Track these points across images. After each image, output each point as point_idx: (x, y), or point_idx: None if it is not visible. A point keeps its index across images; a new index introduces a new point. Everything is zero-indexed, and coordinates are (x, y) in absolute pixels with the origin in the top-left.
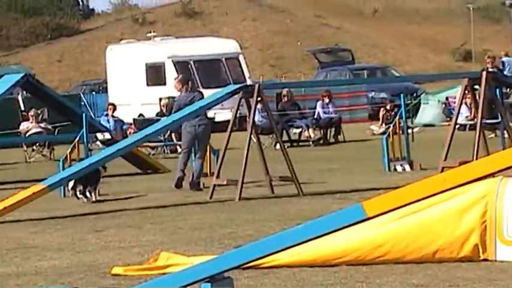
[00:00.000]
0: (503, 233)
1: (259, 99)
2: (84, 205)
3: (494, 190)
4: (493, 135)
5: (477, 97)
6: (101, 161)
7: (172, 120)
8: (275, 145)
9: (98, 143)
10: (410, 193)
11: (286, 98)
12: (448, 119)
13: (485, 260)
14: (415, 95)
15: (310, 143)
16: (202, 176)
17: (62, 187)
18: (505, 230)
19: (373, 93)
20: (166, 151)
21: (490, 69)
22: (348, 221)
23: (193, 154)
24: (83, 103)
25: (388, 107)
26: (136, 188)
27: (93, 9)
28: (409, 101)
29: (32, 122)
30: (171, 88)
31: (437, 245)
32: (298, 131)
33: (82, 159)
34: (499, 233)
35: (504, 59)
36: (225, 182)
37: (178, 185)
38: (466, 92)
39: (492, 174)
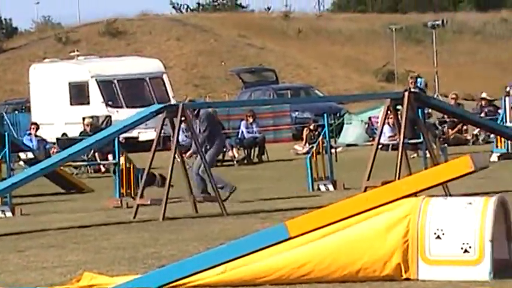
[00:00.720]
0: (426, 252)
1: (183, 118)
2: (6, 225)
3: (417, 209)
4: (415, 155)
5: (399, 117)
6: (23, 180)
7: (95, 140)
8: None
9: (20, 162)
10: (333, 212)
11: None
12: (371, 138)
13: (408, 279)
14: (338, 115)
15: (234, 162)
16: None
17: None
18: (427, 250)
19: (296, 113)
20: (89, 171)
21: (412, 90)
22: (271, 240)
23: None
24: (5, 122)
25: (311, 127)
26: (60, 208)
27: (16, 28)
28: (333, 121)
29: None
30: (94, 107)
31: (360, 263)
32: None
33: (4, 179)
34: (421, 252)
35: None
36: (148, 202)
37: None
38: (389, 112)
39: (414, 194)
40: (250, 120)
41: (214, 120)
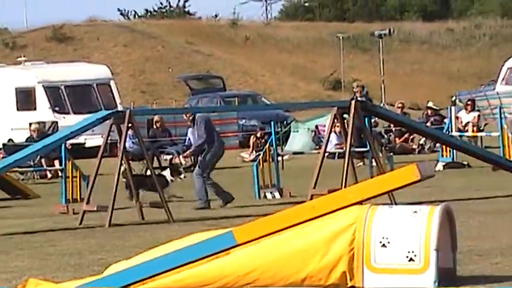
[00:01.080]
0: (371, 260)
1: (129, 125)
2: None
3: (362, 218)
4: (361, 163)
5: (346, 126)
6: None
7: (42, 146)
8: (146, 171)
9: None
10: (279, 220)
11: (157, 125)
12: (318, 147)
13: (353, 287)
14: (285, 122)
15: (181, 169)
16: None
17: None
18: (373, 258)
19: (243, 120)
20: (36, 176)
21: (359, 98)
22: (218, 248)
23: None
24: None
25: (258, 135)
26: (5, 214)
27: None
28: (279, 129)
29: None
30: (41, 113)
31: (305, 272)
32: (169, 157)
33: None
34: (366, 261)
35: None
36: (95, 208)
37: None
38: (336, 120)
39: (360, 202)
40: None
41: (211, 124)
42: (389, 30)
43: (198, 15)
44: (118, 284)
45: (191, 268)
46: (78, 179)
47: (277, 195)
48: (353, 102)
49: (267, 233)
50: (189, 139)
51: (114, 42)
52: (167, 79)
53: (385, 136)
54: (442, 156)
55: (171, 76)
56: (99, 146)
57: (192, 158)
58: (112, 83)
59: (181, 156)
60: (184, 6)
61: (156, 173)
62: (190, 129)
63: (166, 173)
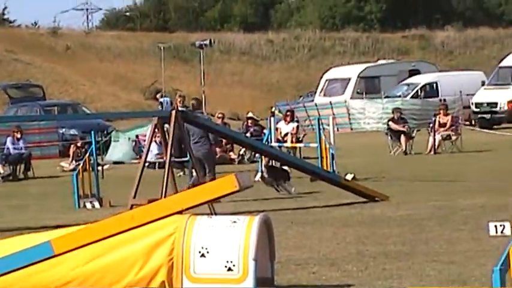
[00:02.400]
0: (190, 270)
1: None
2: None
3: (182, 228)
4: (181, 173)
5: (167, 135)
6: None
7: None
8: None
9: None
10: (98, 230)
11: None
12: (138, 156)
13: None
14: (105, 132)
15: (0, 178)
16: None
17: None
18: (192, 268)
19: (64, 129)
20: None
21: (180, 108)
22: (35, 258)
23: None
24: None
25: (78, 144)
26: None
27: None
28: (100, 138)
29: None
30: None
31: (124, 282)
32: None
33: None
34: (186, 270)
35: (161, 99)
36: None
37: None
38: (156, 130)
39: (180, 212)
40: (17, 136)
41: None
42: (210, 40)
43: (17, 23)
44: None
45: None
46: None
47: (97, 204)
48: (173, 112)
49: (86, 243)
50: (8, 148)
51: None
52: None
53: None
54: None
55: None
56: None
57: (10, 166)
58: None
59: (0, 166)
60: (3, 14)
61: None
62: (9, 138)
63: None
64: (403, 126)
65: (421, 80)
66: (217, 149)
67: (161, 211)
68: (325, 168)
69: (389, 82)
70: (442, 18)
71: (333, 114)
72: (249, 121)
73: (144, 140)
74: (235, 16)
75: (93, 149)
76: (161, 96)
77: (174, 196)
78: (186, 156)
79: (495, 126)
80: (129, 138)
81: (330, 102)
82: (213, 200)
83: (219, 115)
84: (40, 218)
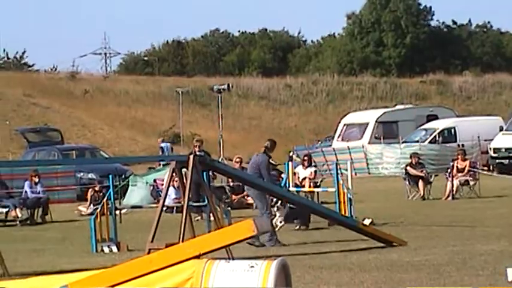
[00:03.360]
0: None
1: None
2: None
3: (200, 272)
4: (199, 217)
5: (184, 180)
6: None
7: None
8: None
9: None
10: (116, 274)
11: None
12: (156, 200)
13: None
14: (123, 176)
15: (17, 222)
16: None
17: None
18: None
19: (81, 173)
20: None
21: (197, 153)
22: None
23: None
24: None
25: (96, 188)
26: None
27: None
28: (118, 182)
29: None
30: None
31: None
32: (5, 210)
33: None
34: None
35: (162, 144)
36: None
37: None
38: (174, 174)
39: (198, 256)
40: (35, 180)
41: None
42: (228, 85)
43: (36, 68)
44: None
45: None
46: None
47: (114, 249)
48: (191, 156)
49: (104, 287)
50: (26, 192)
51: None
52: (4, 131)
53: (228, 193)
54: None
55: (8, 128)
56: None
57: (28, 210)
58: None
59: (17, 209)
60: (22, 58)
61: None
62: (27, 182)
63: None
64: (421, 171)
65: (439, 125)
66: (233, 195)
67: (179, 255)
68: (342, 213)
69: (407, 127)
70: (460, 64)
71: (351, 158)
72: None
73: (162, 184)
74: (253, 61)
75: (111, 193)
76: (162, 141)
77: (192, 240)
78: (204, 201)
79: None
80: (146, 183)
81: (348, 147)
82: (230, 244)
83: (237, 159)
84: (57, 262)
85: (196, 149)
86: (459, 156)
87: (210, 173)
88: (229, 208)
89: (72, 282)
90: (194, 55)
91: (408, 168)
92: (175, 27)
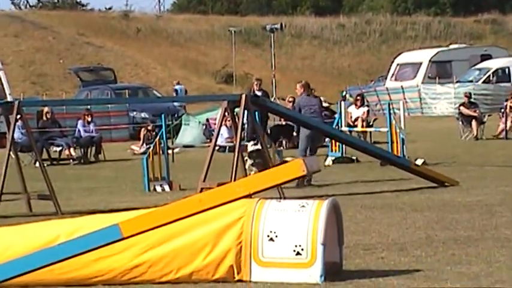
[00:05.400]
0: (259, 254)
1: (18, 116)
2: None
3: (251, 212)
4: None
5: (237, 119)
6: None
7: None
8: (35, 163)
9: None
10: (167, 213)
11: (47, 116)
12: (208, 140)
13: (240, 280)
14: (176, 115)
15: (71, 161)
16: None
17: None
18: (260, 252)
19: (134, 113)
20: None
21: (257, 92)
22: (104, 241)
23: None
24: None
25: (149, 127)
26: None
27: None
28: (170, 122)
29: None
30: None
31: (193, 266)
32: (58, 149)
33: None
34: (254, 255)
35: (176, 87)
36: None
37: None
38: (226, 114)
39: (249, 196)
40: (88, 119)
41: None
42: (281, 24)
43: (90, 7)
44: (6, 276)
45: (74, 261)
46: None
47: (166, 188)
48: (243, 96)
49: (154, 226)
50: (79, 131)
51: (4, 32)
52: (58, 70)
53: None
54: (332, 151)
55: (61, 67)
56: None
57: (81, 149)
58: (1, 73)
59: (71, 148)
60: None
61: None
62: (80, 121)
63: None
64: (475, 111)
65: (493, 64)
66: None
67: (230, 195)
68: (395, 153)
69: (461, 67)
70: None
71: (404, 98)
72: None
73: (215, 124)
74: (307, 0)
75: (164, 133)
76: (177, 84)
77: (243, 180)
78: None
79: None
80: (199, 122)
81: (401, 86)
82: (281, 184)
83: (290, 99)
84: (110, 201)
85: (256, 87)
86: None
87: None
88: (281, 148)
89: (123, 221)
90: None
91: (461, 108)
92: None
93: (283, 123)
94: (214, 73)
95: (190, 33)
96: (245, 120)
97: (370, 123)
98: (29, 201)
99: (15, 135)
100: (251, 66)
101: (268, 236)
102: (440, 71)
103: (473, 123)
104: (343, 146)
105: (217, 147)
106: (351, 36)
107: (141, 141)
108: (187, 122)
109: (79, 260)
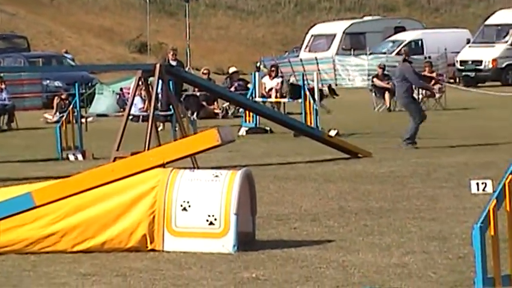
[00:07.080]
0: (172, 223)
1: None
2: None
3: (164, 181)
4: (161, 127)
5: (150, 89)
6: None
7: None
8: None
9: None
10: (80, 182)
11: None
12: (122, 109)
13: (153, 250)
14: (90, 84)
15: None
16: None
17: None
18: (173, 221)
19: (48, 81)
20: None
21: (171, 62)
22: (16, 209)
23: None
24: None
25: (62, 96)
26: None
27: None
28: (84, 91)
29: None
30: None
31: (105, 236)
32: None
33: None
34: (167, 224)
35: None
36: None
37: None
38: (140, 83)
39: (162, 165)
40: (1, 87)
41: None
42: None
43: None
44: None
45: None
46: None
47: (80, 157)
48: (157, 65)
49: (67, 195)
50: None
51: None
52: None
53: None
54: (245, 121)
55: None
56: None
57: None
58: None
59: None
60: None
61: None
62: None
63: None
64: (387, 83)
65: (406, 37)
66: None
67: (143, 164)
68: (308, 124)
69: (375, 39)
70: None
71: (318, 70)
72: (233, 75)
73: (128, 93)
74: None
75: (77, 101)
76: (65, 52)
77: (156, 149)
78: (170, 110)
79: (479, 84)
80: (113, 91)
81: (315, 58)
82: (195, 153)
83: (205, 71)
84: (23, 170)
85: (171, 57)
86: (426, 69)
87: None
88: (194, 117)
89: (36, 190)
90: None
91: (375, 80)
92: None
93: (198, 93)
94: (129, 42)
95: (106, 2)
96: (159, 90)
97: (284, 94)
98: None
99: None
100: (165, 36)
101: (181, 205)
102: (354, 43)
103: (386, 95)
104: (257, 116)
105: (130, 117)
106: (266, 7)
107: (54, 110)
108: (101, 91)
109: None
